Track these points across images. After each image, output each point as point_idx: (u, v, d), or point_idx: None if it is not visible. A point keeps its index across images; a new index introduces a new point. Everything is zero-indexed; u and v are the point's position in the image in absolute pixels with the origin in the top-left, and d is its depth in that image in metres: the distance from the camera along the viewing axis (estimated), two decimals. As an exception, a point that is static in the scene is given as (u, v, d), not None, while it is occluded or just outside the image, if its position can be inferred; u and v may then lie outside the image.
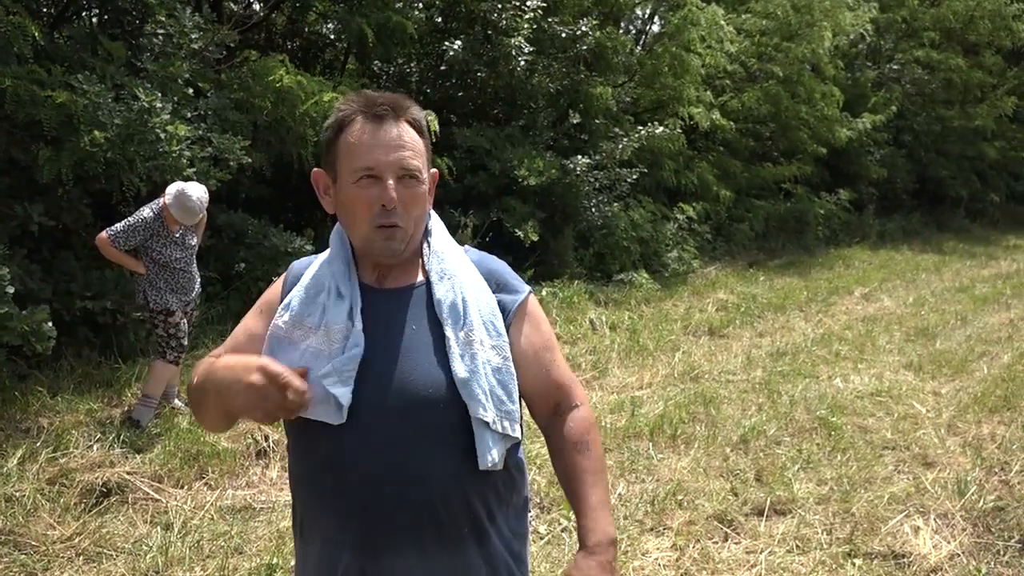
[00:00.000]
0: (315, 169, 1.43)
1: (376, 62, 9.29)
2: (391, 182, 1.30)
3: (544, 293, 8.19)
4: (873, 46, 16.98)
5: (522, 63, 8.81)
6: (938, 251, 14.12)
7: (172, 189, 4.45)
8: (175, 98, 5.60)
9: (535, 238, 8.50)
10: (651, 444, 4.56)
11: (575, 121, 9.69)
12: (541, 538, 3.49)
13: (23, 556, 3.21)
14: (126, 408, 4.72)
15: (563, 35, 9.29)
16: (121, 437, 4.28)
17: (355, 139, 1.32)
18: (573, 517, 3.57)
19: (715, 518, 3.70)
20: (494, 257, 1.51)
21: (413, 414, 1.29)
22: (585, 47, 9.50)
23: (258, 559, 3.24)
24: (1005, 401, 5.43)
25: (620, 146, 9.50)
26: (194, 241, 4.70)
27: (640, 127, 10.01)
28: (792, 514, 3.76)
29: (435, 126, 7.62)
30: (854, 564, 3.31)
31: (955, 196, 17.79)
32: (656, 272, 9.90)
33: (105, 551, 3.29)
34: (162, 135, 5.14)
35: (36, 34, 5.10)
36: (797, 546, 3.47)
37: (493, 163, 8.72)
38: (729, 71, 12.62)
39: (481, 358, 1.33)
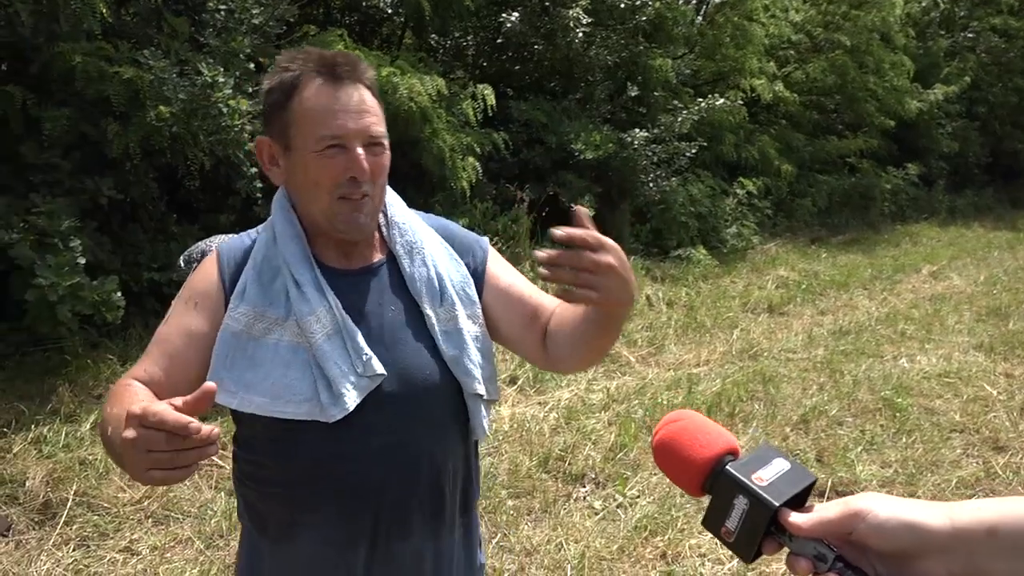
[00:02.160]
0: (259, 137, 1.27)
1: (433, 36, 9.26)
2: (360, 151, 1.18)
3: (600, 268, 8.12)
4: (946, 13, 16.25)
5: (580, 35, 8.68)
6: (1012, 228, 13.54)
7: None
8: (237, 73, 5.67)
9: (591, 213, 8.39)
10: (708, 422, 4.50)
11: (633, 94, 9.52)
12: (596, 513, 3.49)
13: (96, 517, 3.34)
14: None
15: (622, 6, 9.10)
16: (187, 405, 4.41)
17: (315, 103, 1.18)
18: (628, 493, 3.56)
19: (774, 498, 3.64)
20: (439, 217, 1.44)
21: (412, 401, 1.23)
22: (644, 18, 9.30)
23: (318, 526, 3.31)
24: (1083, 385, 5.21)
25: (679, 119, 9.31)
26: None
27: (700, 100, 9.79)
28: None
29: (491, 100, 7.58)
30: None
31: (1031, 170, 17.03)
32: (714, 248, 9.72)
33: (172, 514, 3.40)
34: (224, 109, 5.22)
35: (104, 11, 5.21)
36: (859, 529, 3.39)
37: (549, 137, 8.64)
38: (793, 41, 12.24)
39: (465, 332, 1.28)
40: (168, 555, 3.14)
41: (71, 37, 5.08)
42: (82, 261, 4.65)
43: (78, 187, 5.30)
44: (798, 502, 0.74)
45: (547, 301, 1.34)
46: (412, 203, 1.41)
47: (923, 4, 13.67)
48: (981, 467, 4.00)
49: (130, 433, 0.87)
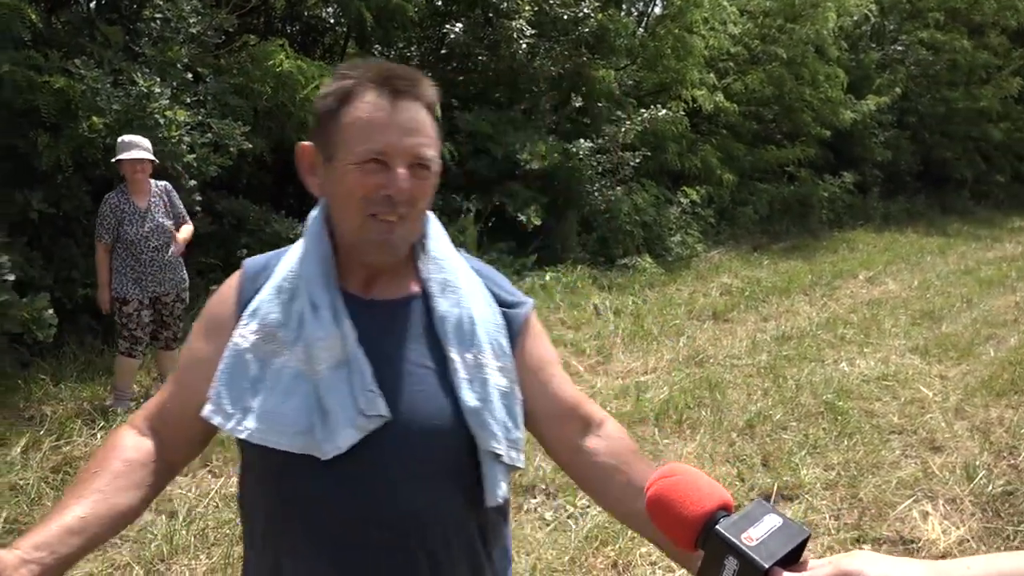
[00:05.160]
0: (302, 143, 1.18)
1: (376, 46, 9.21)
2: (402, 170, 1.09)
3: (547, 278, 8.15)
4: (877, 27, 16.82)
5: (523, 46, 8.74)
6: (943, 233, 14.05)
7: None
8: (174, 83, 5.55)
9: (538, 223, 8.46)
10: (656, 430, 4.54)
11: (577, 105, 9.62)
12: (547, 524, 3.48)
13: (27, 545, 3.19)
14: (107, 402, 4.65)
15: (565, 17, 9.20)
16: (124, 425, 4.26)
17: (365, 115, 1.10)
18: (579, 503, 3.54)
19: (722, 504, 3.67)
20: (487, 265, 1.33)
21: (417, 448, 1.11)
22: (587, 29, 9.41)
23: (263, 547, 3.22)
24: (1012, 384, 5.40)
25: (623, 129, 9.44)
26: (164, 221, 4.52)
27: (643, 110, 9.95)
28: (799, 499, 3.74)
29: (436, 111, 7.56)
30: (862, 549, 3.28)
31: (960, 178, 17.66)
32: (659, 256, 9.85)
33: (110, 540, 3.27)
34: (161, 120, 5.10)
35: (34, 18, 5.04)
36: (805, 531, 3.45)
37: (495, 147, 8.66)
38: (732, 53, 12.51)
39: (492, 383, 1.17)
40: (105, 583, 3.02)
41: (-2, 46, 4.91)
42: (11, 278, 4.47)
43: (6, 201, 5.10)
44: (792, 558, 0.73)
45: (591, 407, 1.23)
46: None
47: (855, 18, 14.08)
48: (919, 468, 4.11)
49: None
